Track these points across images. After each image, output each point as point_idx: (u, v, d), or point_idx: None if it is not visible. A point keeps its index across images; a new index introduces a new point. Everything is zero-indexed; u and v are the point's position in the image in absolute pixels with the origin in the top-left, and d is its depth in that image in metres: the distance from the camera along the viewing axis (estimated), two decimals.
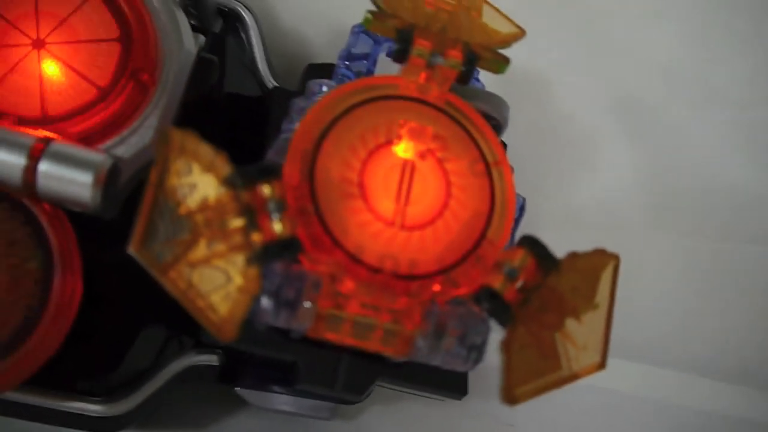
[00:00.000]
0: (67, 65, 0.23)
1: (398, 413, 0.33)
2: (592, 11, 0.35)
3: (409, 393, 0.28)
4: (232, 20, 0.30)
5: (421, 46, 0.23)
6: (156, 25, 0.25)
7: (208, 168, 0.20)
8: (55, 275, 0.22)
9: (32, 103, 0.23)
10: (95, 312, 0.24)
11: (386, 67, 0.28)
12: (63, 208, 0.22)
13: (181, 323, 0.27)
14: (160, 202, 0.20)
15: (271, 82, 0.30)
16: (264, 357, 0.27)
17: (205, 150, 0.20)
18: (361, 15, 0.28)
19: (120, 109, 0.23)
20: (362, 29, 0.27)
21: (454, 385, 0.28)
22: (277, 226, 0.20)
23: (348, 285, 0.22)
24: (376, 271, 0.21)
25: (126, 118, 0.23)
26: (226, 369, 0.28)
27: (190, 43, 0.25)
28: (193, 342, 0.27)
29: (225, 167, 0.20)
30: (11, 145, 0.21)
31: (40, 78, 0.23)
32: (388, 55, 0.28)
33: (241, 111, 0.30)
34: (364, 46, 0.27)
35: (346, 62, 0.27)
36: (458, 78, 0.23)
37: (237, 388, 0.29)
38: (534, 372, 0.22)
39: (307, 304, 0.21)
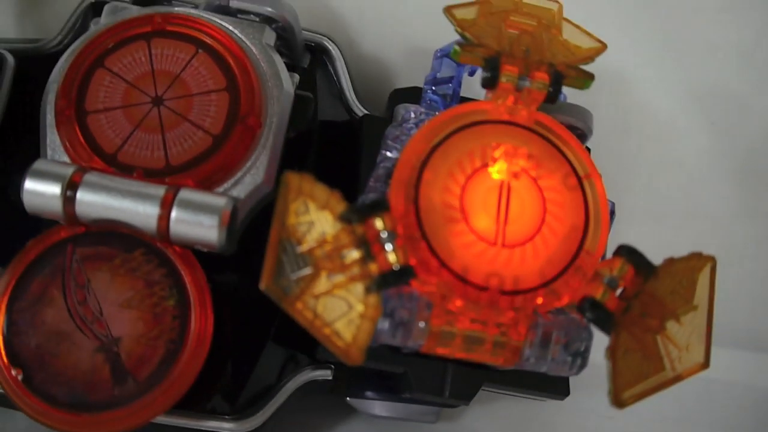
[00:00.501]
0: (184, 118, 0.26)
1: (498, 412, 0.35)
2: (668, 5, 0.35)
3: (512, 395, 0.30)
4: (319, 53, 0.32)
5: (508, 71, 0.24)
6: (257, 71, 0.27)
7: (323, 206, 0.22)
8: (191, 310, 0.24)
9: (157, 156, 0.25)
10: (222, 337, 0.26)
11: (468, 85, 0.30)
12: (191, 248, 0.25)
13: (297, 343, 0.30)
14: (283, 241, 0.22)
15: (359, 109, 0.32)
16: (375, 369, 0.29)
17: (320, 190, 0.22)
18: (438, 36, 0.29)
19: (232, 153, 0.25)
20: (445, 53, 0.29)
21: (556, 387, 0.29)
22: (391, 256, 0.22)
23: (457, 303, 0.23)
24: (482, 289, 0.23)
25: (238, 161, 0.26)
26: (339, 381, 0.30)
27: (288, 83, 0.27)
28: (309, 359, 0.30)
29: (339, 205, 0.22)
30: (145, 197, 0.24)
31: (162, 132, 0.25)
32: (471, 74, 0.30)
33: (333, 139, 0.32)
34: (448, 69, 0.29)
35: (433, 87, 0.28)
36: (546, 98, 0.24)
37: (348, 398, 0.32)
38: (639, 375, 0.23)
39: (421, 324, 0.23)
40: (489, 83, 0.24)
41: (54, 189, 0.23)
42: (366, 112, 0.32)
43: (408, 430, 0.34)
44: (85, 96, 0.26)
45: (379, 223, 0.22)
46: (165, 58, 0.26)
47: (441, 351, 0.24)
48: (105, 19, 0.27)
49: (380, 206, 0.22)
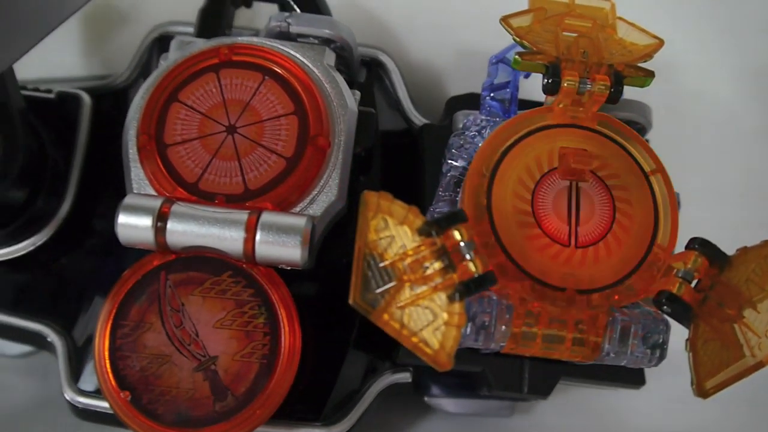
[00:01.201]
0: (257, 143, 0.27)
1: (571, 402, 0.36)
2: None
3: (588, 386, 0.31)
4: (374, 67, 0.33)
5: (569, 76, 0.25)
6: (322, 92, 0.28)
7: (401, 221, 0.23)
8: (280, 326, 0.26)
9: (235, 182, 0.26)
10: (307, 347, 0.28)
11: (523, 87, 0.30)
12: (274, 267, 0.26)
13: (376, 349, 0.31)
14: (366, 256, 0.23)
15: (417, 118, 0.33)
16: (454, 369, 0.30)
17: (398, 206, 0.23)
18: (486, 40, 0.30)
19: (306, 174, 0.27)
20: (500, 59, 0.29)
21: (632, 377, 0.30)
22: (472, 265, 0.23)
23: (536, 306, 0.24)
24: (560, 290, 0.24)
25: (311, 180, 0.27)
26: (418, 382, 0.31)
27: (352, 101, 0.28)
28: (388, 364, 0.31)
29: (417, 219, 0.23)
30: (230, 222, 0.25)
31: (238, 158, 0.27)
32: (526, 77, 0.30)
33: (391, 149, 0.32)
34: (504, 74, 0.29)
35: (491, 93, 0.29)
36: (608, 99, 0.25)
37: (426, 398, 0.33)
38: (720, 364, 0.24)
39: (502, 328, 0.24)
40: (551, 89, 0.25)
41: (146, 221, 0.25)
42: (425, 120, 0.33)
43: (484, 425, 0.35)
44: (163, 130, 0.27)
45: (457, 234, 0.23)
46: (234, 88, 0.28)
47: (522, 351, 0.25)
48: (173, 54, 0.29)
49: (458, 218, 0.23)
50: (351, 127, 0.28)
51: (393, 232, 0.23)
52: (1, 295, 0.30)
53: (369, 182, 0.31)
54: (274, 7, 0.33)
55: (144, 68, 0.33)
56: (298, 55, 0.28)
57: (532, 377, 0.29)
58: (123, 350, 0.25)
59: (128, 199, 0.25)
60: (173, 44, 0.29)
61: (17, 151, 0.26)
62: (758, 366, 0.23)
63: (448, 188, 0.27)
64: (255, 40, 0.28)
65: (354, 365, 0.30)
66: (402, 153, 0.33)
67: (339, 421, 0.29)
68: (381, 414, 0.33)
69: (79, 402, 0.29)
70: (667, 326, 0.25)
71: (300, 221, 0.25)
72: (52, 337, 0.30)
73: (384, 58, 0.33)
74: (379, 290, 0.23)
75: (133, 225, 0.25)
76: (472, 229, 0.23)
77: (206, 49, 0.28)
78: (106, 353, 0.25)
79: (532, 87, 0.29)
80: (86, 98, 0.31)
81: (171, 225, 0.25)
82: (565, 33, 0.26)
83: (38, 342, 0.30)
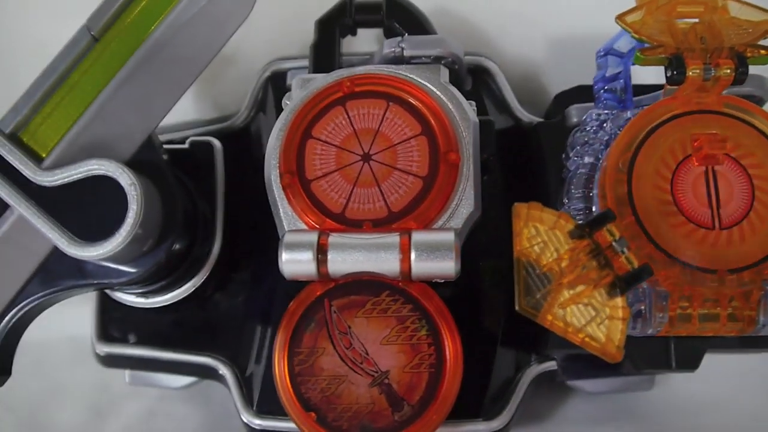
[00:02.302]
0: (393, 167, 0.29)
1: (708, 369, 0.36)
2: None
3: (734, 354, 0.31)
4: (479, 73, 0.34)
5: (694, 65, 0.25)
6: (445, 109, 0.29)
7: (552, 227, 0.25)
8: (441, 335, 0.27)
9: (379, 207, 0.28)
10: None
11: None
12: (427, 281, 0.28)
13: (523, 343, 0.32)
14: (524, 265, 0.25)
15: (526, 116, 0.34)
16: None
17: (548, 213, 0.25)
18: (575, 29, 0.31)
19: (443, 190, 0.28)
20: (607, 51, 0.30)
21: None
22: (627, 260, 0.24)
23: (689, 289, 0.25)
24: (711, 272, 0.25)
25: (449, 195, 0.28)
26: (563, 368, 0.32)
27: (471, 112, 0.29)
28: (534, 355, 0.32)
29: (568, 223, 0.25)
30: (385, 246, 0.27)
31: (377, 184, 0.28)
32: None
33: (507, 150, 0.34)
34: (614, 66, 0.30)
35: (605, 87, 0.30)
36: (734, 81, 0.25)
37: (569, 382, 0.34)
38: None
39: (659, 315, 0.25)
40: (677, 80, 0.25)
41: (308, 256, 0.27)
42: (533, 118, 0.34)
43: (626, 400, 0.36)
44: (304, 167, 0.29)
45: (609, 233, 0.24)
46: (362, 117, 0.29)
47: (677, 333, 0.26)
48: (297, 93, 0.30)
49: (608, 217, 0.24)
50: (475, 138, 0.29)
51: (544, 237, 0.25)
52: (170, 334, 0.33)
53: (492, 185, 0.32)
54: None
55: (260, 105, 0.35)
56: (416, 78, 0.29)
57: (679, 352, 0.30)
58: (302, 375, 0.28)
59: (288, 238, 0.27)
60: (295, 83, 0.31)
61: (177, 209, 0.29)
62: None
63: (579, 185, 0.28)
64: (372, 68, 0.30)
65: (504, 360, 0.32)
66: (515, 152, 0.34)
67: (498, 414, 0.30)
68: (527, 401, 0.35)
69: (257, 424, 0.31)
70: None
71: (449, 236, 0.27)
72: (222, 368, 0.32)
73: (488, 64, 0.34)
74: (539, 294, 0.25)
75: (296, 260, 0.27)
76: (619, 225, 0.25)
77: (329, 84, 0.30)
78: (288, 379, 0.28)
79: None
80: (217, 144, 0.33)
81: (332, 256, 0.27)
82: (678, 21, 0.27)
83: (206, 373, 0.33)
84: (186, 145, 0.33)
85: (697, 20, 0.27)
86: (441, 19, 0.35)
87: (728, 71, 0.25)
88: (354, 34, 0.33)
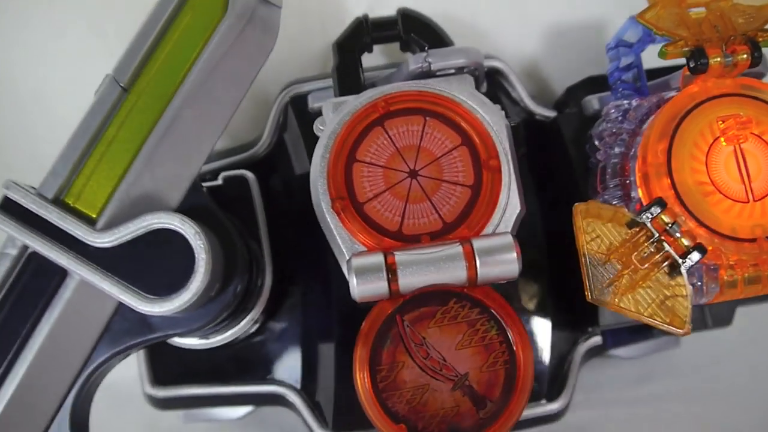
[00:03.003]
0: (440, 180, 0.30)
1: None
2: None
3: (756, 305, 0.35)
4: (493, 74, 0.36)
5: (714, 55, 0.27)
6: (478, 117, 0.30)
7: (609, 220, 0.27)
8: (509, 332, 0.29)
9: (433, 219, 0.29)
10: None
11: None
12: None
13: (570, 325, 0.35)
14: (587, 258, 0.27)
15: (540, 109, 0.36)
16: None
17: (606, 209, 0.27)
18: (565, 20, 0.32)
19: (490, 195, 0.29)
20: (618, 43, 0.32)
21: None
22: (683, 241, 0.26)
23: (734, 258, 0.28)
24: (751, 240, 0.27)
25: (496, 199, 0.30)
26: (610, 340, 0.35)
27: (501, 115, 0.31)
28: (578, 333, 0.35)
29: (625, 216, 0.27)
30: (451, 258, 0.28)
31: (428, 198, 0.30)
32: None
33: (529, 146, 0.35)
34: (626, 57, 0.32)
35: (621, 77, 0.31)
36: (750, 65, 0.28)
37: (610, 351, 0.37)
38: None
39: (712, 286, 0.28)
40: (700, 70, 0.28)
41: (379, 277, 0.28)
42: (547, 111, 0.35)
43: (658, 359, 0.39)
44: (354, 191, 0.30)
45: (665, 218, 0.26)
46: (402, 135, 0.30)
47: (726, 298, 0.29)
48: (330, 117, 0.31)
49: (660, 204, 0.26)
50: (510, 141, 0.31)
51: (599, 231, 0.27)
52: (230, 369, 0.34)
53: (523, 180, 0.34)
54: None
55: (281, 130, 0.35)
56: (447, 90, 0.31)
57: (714, 312, 0.33)
58: (387, 390, 0.29)
59: (355, 262, 0.28)
60: (326, 107, 0.31)
61: (236, 249, 0.29)
62: None
63: (614, 175, 0.30)
64: (403, 86, 0.31)
65: (557, 342, 0.34)
66: (536, 145, 0.35)
67: (560, 393, 0.33)
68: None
69: None
70: None
71: (508, 239, 0.28)
72: (290, 395, 0.33)
73: (500, 65, 0.35)
74: (607, 284, 0.27)
75: (368, 283, 0.28)
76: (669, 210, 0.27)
77: (365, 107, 0.30)
78: (373, 396, 0.29)
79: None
80: (251, 176, 0.33)
81: (402, 273, 0.28)
82: (688, 11, 0.29)
83: (270, 401, 0.34)
84: (219, 182, 0.33)
85: (703, 9, 0.29)
86: (445, 24, 0.36)
87: (745, 56, 0.28)
88: (371, 51, 0.34)
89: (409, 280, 0.28)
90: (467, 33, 0.39)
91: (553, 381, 0.33)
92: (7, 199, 0.28)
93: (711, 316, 0.34)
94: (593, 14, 0.35)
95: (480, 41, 0.38)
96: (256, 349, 0.34)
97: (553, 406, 0.33)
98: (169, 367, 0.34)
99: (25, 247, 0.28)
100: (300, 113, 0.35)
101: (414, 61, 0.31)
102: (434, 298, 0.29)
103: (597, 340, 0.34)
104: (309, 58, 0.37)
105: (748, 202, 0.28)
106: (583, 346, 0.34)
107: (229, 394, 0.34)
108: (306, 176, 0.31)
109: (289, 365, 0.34)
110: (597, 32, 0.38)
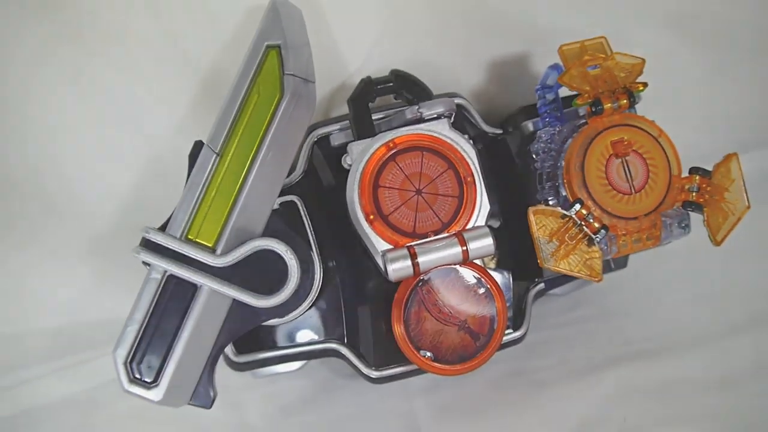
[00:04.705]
0: (437, 194, 0.44)
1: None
2: None
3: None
4: (459, 108, 0.50)
5: (607, 103, 0.43)
6: (457, 148, 0.45)
7: (549, 215, 0.42)
8: (492, 290, 0.44)
9: (434, 221, 0.44)
10: None
11: None
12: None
13: (525, 278, 0.50)
14: (538, 240, 0.42)
15: (493, 130, 0.51)
16: None
17: (547, 209, 0.42)
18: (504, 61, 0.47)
19: (470, 201, 0.44)
20: (542, 86, 0.47)
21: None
22: (595, 224, 0.42)
23: (625, 230, 0.44)
24: (634, 219, 0.43)
25: (474, 203, 0.44)
26: (550, 285, 0.51)
27: (472, 145, 0.45)
28: (532, 282, 0.50)
29: (559, 212, 0.42)
30: (451, 245, 0.43)
31: (431, 207, 0.44)
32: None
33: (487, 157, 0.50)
34: (549, 95, 0.47)
35: (547, 110, 0.46)
36: (629, 107, 0.43)
37: (549, 292, 0.53)
38: (721, 224, 0.44)
39: (614, 248, 0.44)
40: (598, 113, 0.43)
41: (407, 263, 0.42)
42: (496, 130, 0.50)
43: (585, 293, 0.56)
44: (380, 207, 0.44)
45: (582, 212, 0.42)
46: (408, 165, 0.44)
47: (621, 254, 0.45)
48: (357, 156, 0.44)
49: (579, 202, 0.42)
50: (478, 160, 0.45)
51: (544, 222, 0.42)
52: (299, 335, 0.47)
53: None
54: None
55: (309, 163, 0.48)
56: (435, 131, 0.45)
57: (615, 261, 0.50)
58: (415, 336, 0.44)
59: (390, 255, 0.42)
60: (351, 149, 0.44)
61: (307, 259, 0.42)
62: (738, 220, 0.45)
63: (548, 179, 0.45)
64: (406, 130, 0.44)
65: (518, 290, 0.50)
66: (491, 156, 0.50)
67: (521, 324, 0.49)
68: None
69: (376, 374, 0.47)
70: (689, 216, 0.45)
71: (485, 229, 0.44)
72: (342, 348, 0.47)
73: (463, 102, 0.50)
74: (550, 255, 0.42)
75: (399, 268, 0.42)
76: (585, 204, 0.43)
77: (380, 147, 0.44)
78: (408, 341, 0.43)
79: None
80: (298, 200, 0.46)
81: (421, 259, 0.42)
82: (588, 68, 0.44)
83: (325, 354, 0.48)
84: (277, 207, 0.46)
85: (597, 66, 0.44)
86: (416, 68, 0.49)
87: (625, 102, 0.43)
88: (373, 101, 0.47)
89: (428, 264, 0.43)
90: (431, 72, 0.52)
91: (516, 316, 0.49)
92: (146, 239, 0.40)
93: (613, 263, 0.51)
94: (519, 50, 0.49)
95: (441, 77, 0.52)
96: (312, 319, 0.48)
97: (518, 333, 0.49)
98: (245, 339, 0.48)
99: (165, 272, 0.40)
100: (323, 148, 0.48)
101: (410, 112, 0.45)
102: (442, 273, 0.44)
103: (542, 286, 0.51)
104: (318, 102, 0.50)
105: (632, 194, 0.44)
106: (533, 291, 0.50)
107: (295, 353, 0.48)
108: (333, 190, 0.45)
109: (337, 327, 0.48)
110: (522, 62, 0.53)
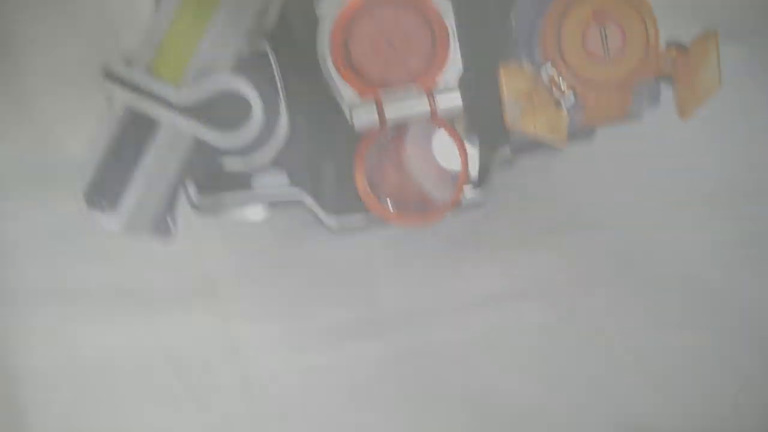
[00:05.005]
0: (410, 50, 0.43)
1: None
2: None
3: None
4: None
5: None
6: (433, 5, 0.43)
7: (520, 74, 0.42)
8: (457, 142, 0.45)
9: (404, 75, 0.43)
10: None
11: None
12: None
13: (493, 142, 0.50)
14: (509, 99, 0.42)
15: None
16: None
17: (519, 68, 0.41)
18: None
19: (441, 59, 0.43)
20: None
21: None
22: (563, 87, 0.42)
23: (592, 97, 0.44)
24: (605, 88, 0.43)
25: (444, 62, 0.44)
26: (515, 150, 0.52)
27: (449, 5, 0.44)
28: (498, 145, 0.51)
29: (530, 72, 0.42)
30: (418, 96, 0.43)
31: (402, 61, 0.43)
32: None
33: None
34: None
35: None
36: None
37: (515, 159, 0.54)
38: (691, 99, 0.44)
39: (580, 112, 0.44)
40: None
41: (372, 112, 0.42)
42: None
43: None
44: (351, 56, 0.43)
45: (555, 74, 0.42)
46: (382, 18, 0.43)
47: (590, 123, 0.45)
48: (328, 5, 0.43)
49: (553, 64, 0.42)
50: (452, 20, 0.44)
51: (515, 83, 0.42)
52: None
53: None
54: None
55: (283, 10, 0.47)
56: None
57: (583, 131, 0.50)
58: (377, 187, 0.44)
59: (356, 102, 0.42)
60: None
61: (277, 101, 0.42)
62: (710, 94, 0.45)
63: (524, 44, 0.45)
64: None
65: (484, 151, 0.50)
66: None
67: (483, 187, 0.49)
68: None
69: (334, 221, 0.48)
70: (659, 91, 0.45)
71: (455, 85, 0.43)
72: (306, 197, 0.48)
73: None
74: (519, 114, 0.42)
75: (365, 118, 0.42)
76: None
77: None
78: (369, 191, 0.44)
79: None
80: (268, 49, 0.45)
81: (387, 108, 0.42)
82: None
83: (292, 200, 0.49)
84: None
85: None
86: None
87: None
88: None
89: (393, 114, 0.43)
90: None
91: (481, 175, 0.50)
92: (109, 70, 0.40)
93: (581, 133, 0.51)
94: None
95: None
96: (278, 168, 0.48)
97: (479, 196, 0.49)
98: (208, 181, 0.48)
99: (126, 106, 0.40)
100: None
101: None
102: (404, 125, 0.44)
103: (507, 152, 0.51)
104: None
105: (606, 60, 0.43)
106: (498, 157, 0.50)
107: (257, 195, 0.48)
108: (305, 40, 0.44)
109: (301, 177, 0.48)
110: None
